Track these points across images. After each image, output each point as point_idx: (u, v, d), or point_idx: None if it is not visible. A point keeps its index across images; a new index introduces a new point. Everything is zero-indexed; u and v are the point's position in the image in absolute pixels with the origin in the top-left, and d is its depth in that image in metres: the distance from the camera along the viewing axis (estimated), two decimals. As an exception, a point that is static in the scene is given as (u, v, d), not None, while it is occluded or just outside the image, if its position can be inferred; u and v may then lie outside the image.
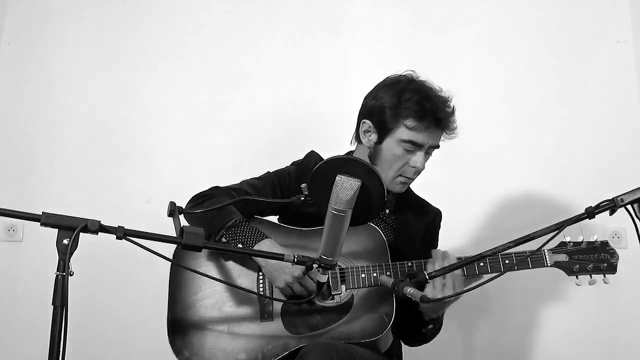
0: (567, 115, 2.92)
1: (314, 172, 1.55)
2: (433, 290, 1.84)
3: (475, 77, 2.94)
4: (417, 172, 1.99)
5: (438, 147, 2.00)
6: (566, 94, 2.93)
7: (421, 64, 2.90)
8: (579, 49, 2.95)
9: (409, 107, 1.91)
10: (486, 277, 1.83)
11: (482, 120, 2.86)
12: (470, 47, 2.99)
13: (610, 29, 2.96)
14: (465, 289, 1.71)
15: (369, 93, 2.04)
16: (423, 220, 2.14)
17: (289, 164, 2.13)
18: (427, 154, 1.99)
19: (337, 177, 1.46)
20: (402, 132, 1.93)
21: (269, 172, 2.10)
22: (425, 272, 1.70)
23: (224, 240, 1.86)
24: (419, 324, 1.98)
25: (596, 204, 1.53)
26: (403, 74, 2.01)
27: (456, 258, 1.89)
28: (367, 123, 2.00)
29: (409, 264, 1.92)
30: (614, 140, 2.88)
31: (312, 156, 2.12)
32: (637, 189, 1.52)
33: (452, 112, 1.98)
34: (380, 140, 1.97)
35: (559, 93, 2.94)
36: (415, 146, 1.94)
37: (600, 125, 2.89)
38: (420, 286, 1.69)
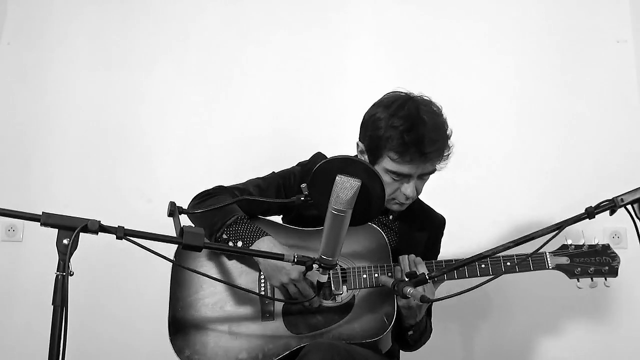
0: (567, 115, 2.92)
1: (314, 172, 1.55)
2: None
3: (475, 79, 2.94)
4: (409, 198, 1.94)
5: (433, 172, 1.93)
6: (566, 94, 2.93)
7: (421, 68, 2.92)
8: (579, 49, 2.95)
9: (392, 139, 1.84)
10: (487, 277, 1.83)
11: (482, 121, 2.86)
12: (469, 48, 2.99)
13: (610, 29, 2.96)
14: (461, 290, 1.70)
15: (367, 110, 1.97)
16: (427, 228, 2.13)
17: (294, 164, 2.12)
18: (421, 179, 1.94)
19: (337, 177, 1.46)
20: (387, 163, 1.88)
21: (273, 172, 2.09)
22: (425, 272, 1.70)
23: (224, 237, 1.86)
24: (402, 329, 1.97)
25: (596, 204, 1.53)
26: (402, 92, 1.93)
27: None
28: (360, 146, 1.98)
29: (410, 264, 1.92)
30: (614, 140, 2.88)
31: (318, 157, 2.09)
32: (637, 189, 1.52)
33: (442, 143, 1.88)
34: (371, 164, 1.92)
35: (558, 93, 2.94)
36: (402, 176, 1.89)
37: (600, 125, 2.89)
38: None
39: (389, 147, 1.85)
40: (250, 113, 2.97)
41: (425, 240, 2.11)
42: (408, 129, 1.83)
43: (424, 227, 2.12)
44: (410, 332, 1.97)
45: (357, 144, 2.00)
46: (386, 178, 1.89)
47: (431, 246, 2.14)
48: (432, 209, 2.19)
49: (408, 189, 1.90)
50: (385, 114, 1.88)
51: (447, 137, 1.91)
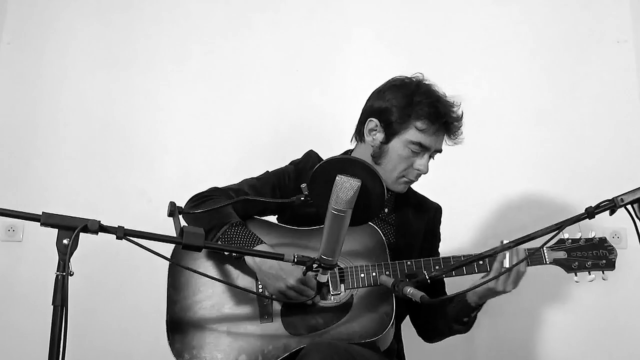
0: (567, 115, 2.91)
1: (314, 172, 1.54)
2: (496, 283, 1.82)
3: (475, 78, 2.94)
4: (420, 175, 1.99)
5: (441, 151, 2.01)
6: (566, 94, 2.93)
7: (421, 64, 2.89)
8: (579, 49, 2.95)
9: (422, 109, 1.91)
10: (487, 276, 1.84)
11: (482, 120, 2.85)
12: (469, 48, 2.99)
13: (610, 29, 2.96)
14: (470, 287, 1.71)
15: (374, 93, 2.02)
16: (423, 217, 2.14)
17: (287, 164, 2.12)
18: (431, 157, 2.00)
19: (337, 177, 1.46)
20: (412, 134, 1.93)
21: (267, 171, 2.09)
22: (424, 272, 1.70)
23: (219, 243, 1.85)
24: (461, 314, 1.95)
25: (596, 204, 1.53)
26: (410, 76, 2.00)
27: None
28: (374, 122, 1.99)
29: (408, 263, 1.92)
30: (614, 140, 2.88)
31: (311, 156, 2.11)
32: (637, 189, 1.52)
33: (460, 118, 1.99)
34: (387, 140, 1.97)
35: (558, 93, 2.94)
36: (422, 149, 1.95)
37: (600, 125, 2.89)
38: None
39: (418, 116, 1.91)
40: (251, 112, 2.97)
41: (423, 230, 2.12)
42: (437, 100, 1.93)
43: (421, 216, 2.13)
44: (475, 313, 1.96)
45: (368, 122, 2.00)
46: (404, 152, 1.94)
47: (430, 235, 2.15)
48: (426, 197, 2.20)
49: (422, 164, 1.95)
50: (406, 89, 1.95)
51: (462, 116, 2.00)
